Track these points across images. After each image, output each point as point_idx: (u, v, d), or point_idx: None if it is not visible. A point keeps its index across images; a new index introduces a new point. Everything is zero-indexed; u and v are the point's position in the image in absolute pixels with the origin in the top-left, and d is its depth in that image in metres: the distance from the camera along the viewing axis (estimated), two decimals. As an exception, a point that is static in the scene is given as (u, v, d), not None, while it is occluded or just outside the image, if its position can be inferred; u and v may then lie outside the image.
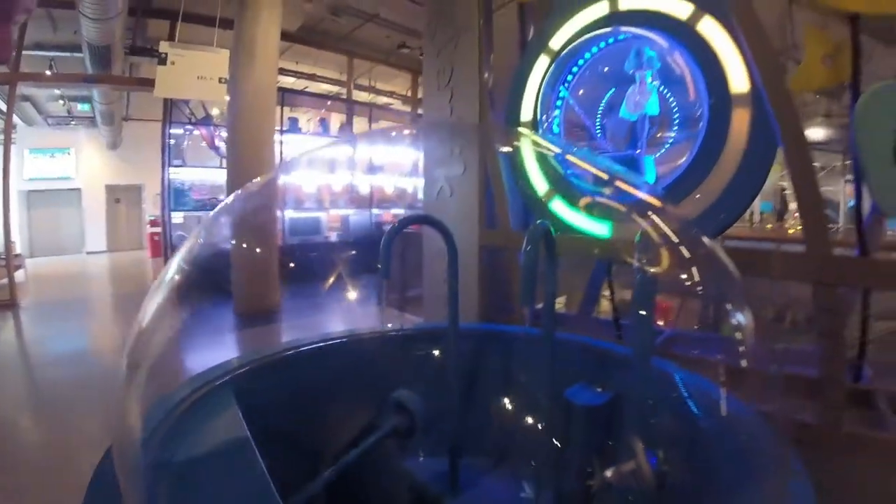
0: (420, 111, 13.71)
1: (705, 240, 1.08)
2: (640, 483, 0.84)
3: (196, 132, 7.98)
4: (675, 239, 1.04)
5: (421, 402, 1.18)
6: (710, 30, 1.81)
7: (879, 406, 1.66)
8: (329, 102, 11.13)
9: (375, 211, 9.79)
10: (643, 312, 1.01)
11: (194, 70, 6.76)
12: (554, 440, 1.01)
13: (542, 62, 2.10)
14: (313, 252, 7.99)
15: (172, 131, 7.88)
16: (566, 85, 2.10)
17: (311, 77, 11.36)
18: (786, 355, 1.98)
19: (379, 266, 1.17)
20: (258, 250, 5.48)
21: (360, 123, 11.06)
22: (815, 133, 9.06)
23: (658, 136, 2.09)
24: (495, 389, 1.24)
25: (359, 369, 1.32)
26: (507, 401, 1.22)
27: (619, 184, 1.37)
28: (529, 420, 1.10)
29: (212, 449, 0.89)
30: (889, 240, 3.38)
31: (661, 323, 2.76)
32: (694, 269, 1.00)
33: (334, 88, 12.61)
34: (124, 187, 14.73)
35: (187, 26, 7.87)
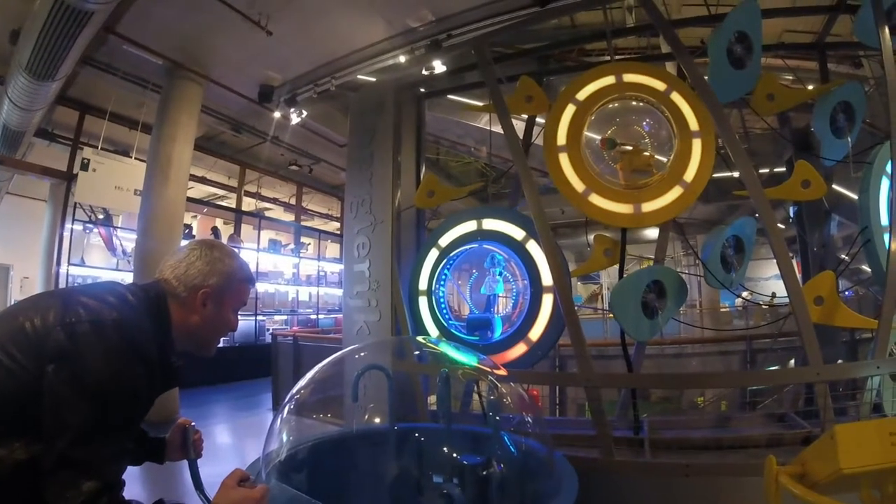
0: (302, 219, 14.70)
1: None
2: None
3: (95, 230, 8.13)
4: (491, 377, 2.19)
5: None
6: (533, 247, 3.14)
7: (645, 446, 2.83)
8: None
9: (260, 317, 10.23)
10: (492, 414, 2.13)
11: (113, 179, 7.23)
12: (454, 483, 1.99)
13: (434, 253, 3.31)
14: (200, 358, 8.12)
15: (71, 228, 7.92)
16: (448, 268, 3.32)
17: (201, 180, 11.86)
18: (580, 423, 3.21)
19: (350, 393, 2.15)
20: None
21: (245, 231, 11.64)
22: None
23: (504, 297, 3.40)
24: (420, 460, 2.21)
25: (344, 457, 2.22)
26: (427, 465, 2.18)
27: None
28: (441, 476, 2.07)
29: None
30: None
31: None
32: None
33: (220, 192, 13.17)
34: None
35: (94, 120, 8.22)
